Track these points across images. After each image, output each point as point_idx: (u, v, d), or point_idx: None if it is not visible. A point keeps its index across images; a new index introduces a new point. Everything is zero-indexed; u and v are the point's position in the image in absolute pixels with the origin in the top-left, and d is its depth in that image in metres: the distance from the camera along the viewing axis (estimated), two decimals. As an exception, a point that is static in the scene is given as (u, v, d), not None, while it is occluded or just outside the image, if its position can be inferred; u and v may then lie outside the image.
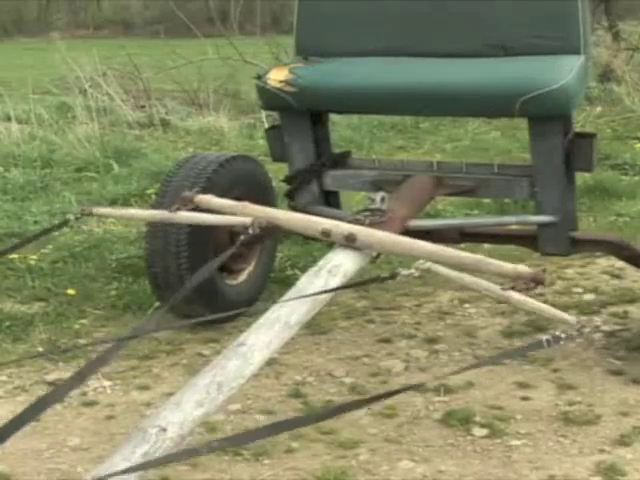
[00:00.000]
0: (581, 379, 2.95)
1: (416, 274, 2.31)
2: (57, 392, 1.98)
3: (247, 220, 2.72)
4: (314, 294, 2.27)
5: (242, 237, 2.72)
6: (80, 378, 1.99)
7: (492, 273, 2.43)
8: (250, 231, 2.69)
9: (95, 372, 2.25)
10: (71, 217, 2.94)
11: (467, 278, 2.39)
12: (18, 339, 3.32)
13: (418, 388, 2.80)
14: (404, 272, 2.29)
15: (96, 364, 2.03)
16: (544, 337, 2.06)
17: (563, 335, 2.07)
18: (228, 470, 2.45)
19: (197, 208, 2.89)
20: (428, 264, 2.34)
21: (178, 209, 2.86)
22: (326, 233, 2.63)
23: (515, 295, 2.26)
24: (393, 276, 2.29)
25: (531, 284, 2.30)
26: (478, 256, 2.50)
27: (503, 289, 2.27)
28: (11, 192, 5.37)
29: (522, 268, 2.36)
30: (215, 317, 3.07)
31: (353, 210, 3.15)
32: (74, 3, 27.03)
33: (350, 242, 2.56)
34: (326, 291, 2.33)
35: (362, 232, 2.59)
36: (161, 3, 19.69)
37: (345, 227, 2.63)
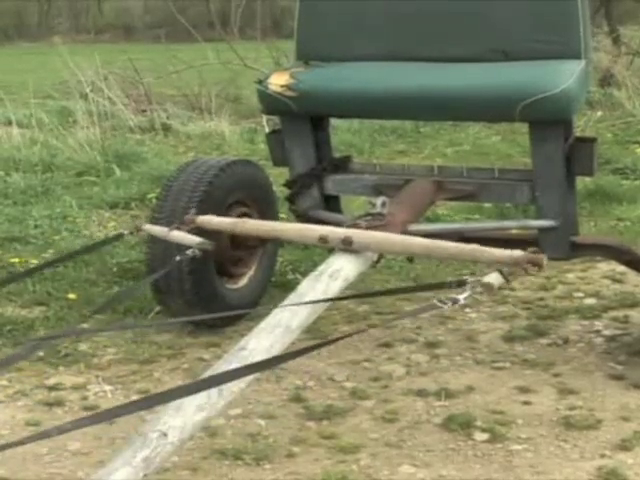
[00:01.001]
0: (582, 384, 2.94)
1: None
2: None
3: (194, 240, 2.80)
4: (362, 295, 2.25)
5: (178, 257, 2.79)
6: None
7: (489, 261, 2.43)
8: (189, 253, 2.77)
9: None
10: (125, 232, 3.02)
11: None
12: (19, 343, 3.32)
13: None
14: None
15: None
16: (435, 299, 2.04)
17: (460, 296, 2.05)
18: (229, 475, 2.45)
19: (198, 228, 2.92)
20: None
21: (178, 228, 2.90)
22: (323, 239, 2.65)
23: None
24: (461, 283, 2.24)
25: (529, 267, 2.29)
26: (474, 245, 2.50)
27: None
28: (12, 196, 5.37)
29: (517, 252, 2.36)
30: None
31: (354, 214, 3.16)
32: (75, 7, 27.08)
33: (347, 245, 2.57)
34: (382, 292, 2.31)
35: (358, 234, 2.60)
36: (162, 7, 19.72)
37: (341, 231, 2.64)
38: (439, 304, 2.03)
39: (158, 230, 3.03)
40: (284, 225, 2.90)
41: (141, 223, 3.11)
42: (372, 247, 2.60)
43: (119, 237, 3.10)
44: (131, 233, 3.03)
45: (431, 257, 2.67)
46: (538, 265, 2.30)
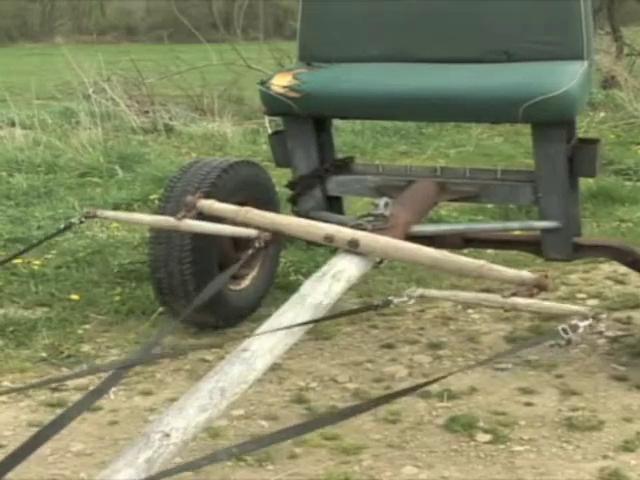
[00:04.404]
0: (584, 385, 2.95)
1: (410, 302, 2.28)
2: (61, 418, 1.96)
3: (252, 232, 2.77)
4: (294, 325, 2.19)
5: (250, 251, 2.77)
6: (86, 403, 2.00)
7: (495, 279, 2.42)
8: (256, 244, 2.75)
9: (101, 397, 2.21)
10: (75, 221, 2.95)
11: (462, 295, 2.38)
12: (21, 344, 3.33)
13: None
14: (396, 300, 2.26)
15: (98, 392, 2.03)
16: (560, 326, 2.00)
17: (580, 323, 2.02)
18: (231, 475, 2.45)
19: (200, 214, 2.90)
20: (420, 291, 2.31)
21: (184, 217, 2.87)
22: (329, 238, 2.62)
23: (519, 300, 2.25)
24: (386, 304, 2.25)
25: (534, 290, 2.29)
26: (481, 261, 2.48)
27: (504, 296, 2.25)
28: (15, 197, 5.38)
29: (525, 274, 2.35)
30: None
31: (357, 215, 3.15)
32: (77, 8, 27.11)
33: (353, 247, 2.56)
34: (310, 322, 2.26)
35: (365, 237, 2.59)
36: (164, 8, 19.74)
37: (348, 232, 2.62)
38: (563, 335, 2.01)
39: (112, 215, 2.98)
40: (289, 219, 2.85)
41: (94, 209, 2.99)
42: (378, 252, 2.58)
43: (69, 227, 3.00)
44: (81, 222, 2.94)
45: (437, 269, 2.64)
46: (544, 289, 2.30)
